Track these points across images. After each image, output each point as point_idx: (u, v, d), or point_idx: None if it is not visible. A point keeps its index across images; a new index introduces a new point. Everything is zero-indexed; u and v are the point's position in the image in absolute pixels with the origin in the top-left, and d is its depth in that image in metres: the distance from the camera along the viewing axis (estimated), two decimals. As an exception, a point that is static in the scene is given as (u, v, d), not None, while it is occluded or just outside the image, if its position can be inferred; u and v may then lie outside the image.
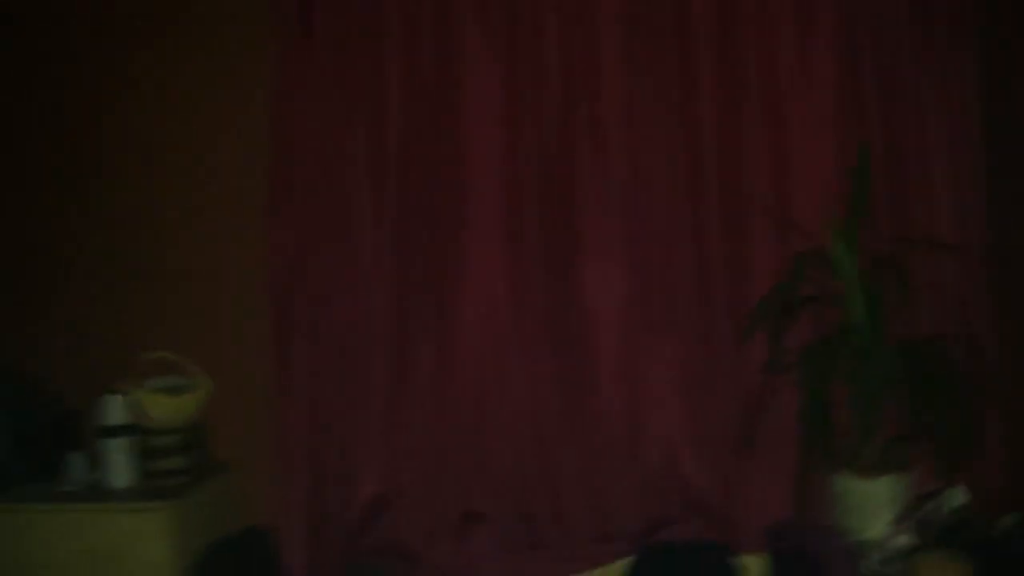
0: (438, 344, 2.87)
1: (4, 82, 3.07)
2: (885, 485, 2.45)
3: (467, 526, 2.86)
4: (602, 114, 2.84)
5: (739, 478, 2.80)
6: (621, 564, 2.77)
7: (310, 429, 2.84)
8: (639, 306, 2.84)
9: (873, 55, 2.77)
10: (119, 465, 2.70)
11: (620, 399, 2.85)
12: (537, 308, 2.86)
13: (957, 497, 2.56)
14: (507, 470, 2.87)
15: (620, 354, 2.85)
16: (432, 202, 2.89)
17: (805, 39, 2.79)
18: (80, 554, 2.56)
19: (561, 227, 2.86)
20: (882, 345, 2.39)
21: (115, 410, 2.69)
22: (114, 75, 3.04)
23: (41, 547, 2.58)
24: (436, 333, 2.87)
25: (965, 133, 2.75)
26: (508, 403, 2.87)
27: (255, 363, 2.89)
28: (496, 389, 2.87)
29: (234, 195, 3.00)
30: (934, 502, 2.48)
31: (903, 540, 2.35)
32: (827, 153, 2.78)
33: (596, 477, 2.86)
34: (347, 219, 2.89)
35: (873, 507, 2.45)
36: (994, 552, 2.34)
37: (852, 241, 2.48)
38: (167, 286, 3.02)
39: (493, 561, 2.82)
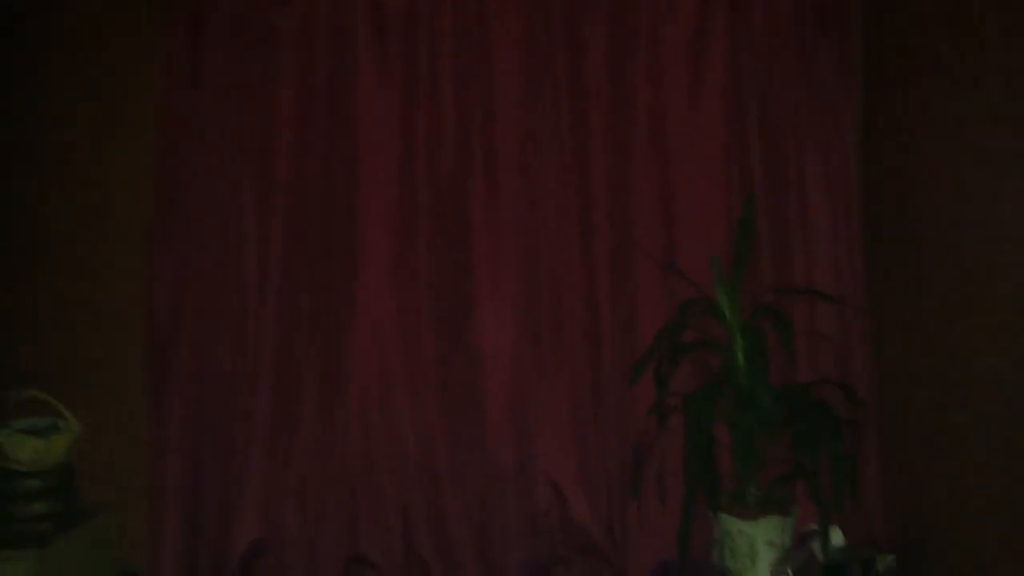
0: (323, 383, 2.80)
1: None
2: (767, 527, 2.48)
3: (352, 571, 2.78)
4: (497, 159, 2.84)
5: (626, 519, 2.81)
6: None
7: (186, 471, 2.74)
8: (529, 347, 2.84)
9: (759, 111, 2.85)
10: (-21, 510, 2.54)
11: (509, 440, 2.83)
12: (426, 348, 2.82)
13: (835, 539, 2.62)
14: (394, 512, 2.81)
15: (509, 395, 2.83)
16: (321, 242, 2.83)
17: (696, 92, 2.86)
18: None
19: (453, 267, 2.84)
20: (763, 390, 2.43)
21: (-25, 452, 2.54)
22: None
23: None
24: (321, 372, 2.80)
25: (845, 188, 2.84)
26: (395, 443, 2.81)
27: (132, 401, 2.78)
28: (383, 429, 2.81)
29: (114, 233, 2.89)
30: (814, 544, 2.52)
31: (785, 581, 2.38)
32: (714, 204, 2.84)
33: (484, 519, 2.83)
34: (231, 259, 2.81)
35: (756, 548, 2.48)
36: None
37: (735, 289, 2.53)
38: (40, 324, 2.88)
39: (378, 607, 2.76)
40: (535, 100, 2.84)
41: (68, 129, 2.91)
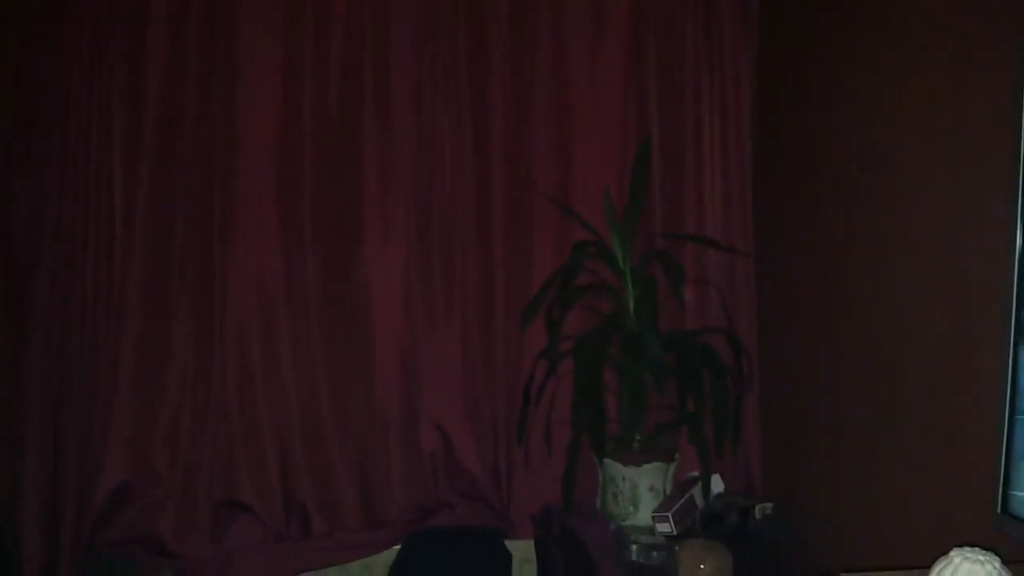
0: (198, 317, 2.67)
1: None
2: (650, 472, 2.50)
3: (226, 516, 2.67)
4: (389, 89, 2.73)
5: (512, 463, 2.80)
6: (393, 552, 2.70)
7: (46, 408, 2.58)
8: (419, 289, 2.76)
9: (658, 61, 2.83)
10: None
11: (396, 382, 2.76)
12: (311, 284, 2.71)
13: (716, 485, 2.66)
14: (273, 456, 2.71)
15: (397, 336, 2.76)
16: (197, 171, 2.67)
17: (597, 38, 2.81)
18: None
19: (340, 204, 2.73)
20: (651, 336, 2.43)
21: None
22: None
23: None
24: (196, 306, 2.67)
25: (736, 140, 2.85)
26: (276, 384, 2.71)
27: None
28: (263, 369, 2.70)
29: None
30: (695, 490, 2.55)
31: (666, 527, 2.39)
32: (610, 148, 2.81)
33: (368, 463, 2.77)
34: (96, 178, 2.62)
35: (638, 494, 2.49)
36: (751, 540, 2.43)
37: (628, 233, 2.51)
38: None
39: (253, 553, 2.66)
40: (432, 29, 2.74)
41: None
